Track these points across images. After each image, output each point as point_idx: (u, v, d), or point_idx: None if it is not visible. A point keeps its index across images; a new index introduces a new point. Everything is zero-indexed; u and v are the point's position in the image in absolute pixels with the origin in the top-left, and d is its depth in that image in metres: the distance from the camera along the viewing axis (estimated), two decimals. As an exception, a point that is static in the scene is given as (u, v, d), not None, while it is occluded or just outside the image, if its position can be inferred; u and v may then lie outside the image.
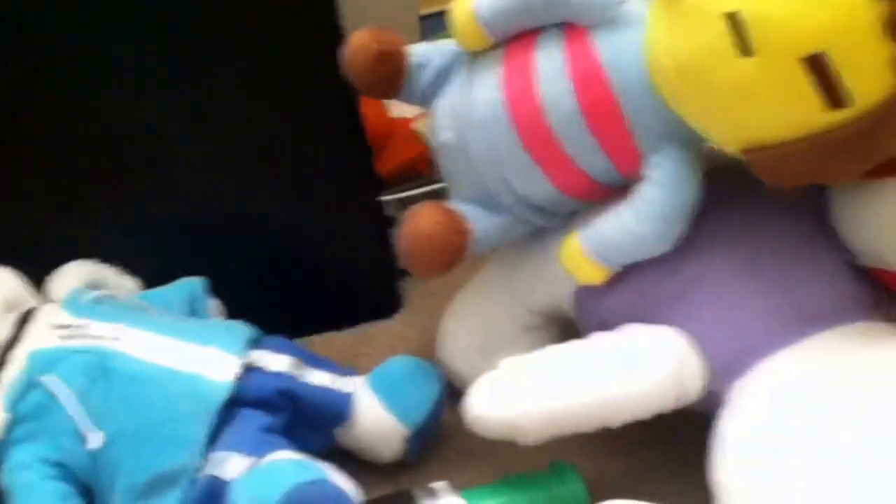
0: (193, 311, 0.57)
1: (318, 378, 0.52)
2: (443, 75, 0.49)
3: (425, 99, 0.50)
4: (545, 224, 0.50)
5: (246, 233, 0.62)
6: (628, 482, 0.47)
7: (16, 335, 0.51)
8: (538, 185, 0.47)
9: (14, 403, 0.48)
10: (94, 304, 0.53)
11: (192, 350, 0.50)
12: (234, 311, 0.59)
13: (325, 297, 0.64)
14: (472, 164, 0.48)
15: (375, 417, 0.52)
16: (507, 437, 0.46)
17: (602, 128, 0.45)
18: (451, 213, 0.47)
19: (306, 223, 0.62)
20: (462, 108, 0.47)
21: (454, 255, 0.47)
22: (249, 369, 0.51)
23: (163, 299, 0.57)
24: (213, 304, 0.59)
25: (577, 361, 0.46)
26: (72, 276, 0.56)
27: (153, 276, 0.59)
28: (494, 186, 0.48)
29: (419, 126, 0.70)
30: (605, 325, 0.48)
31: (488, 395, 0.45)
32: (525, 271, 0.53)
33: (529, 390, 0.45)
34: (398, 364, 0.54)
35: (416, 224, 0.47)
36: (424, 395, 0.53)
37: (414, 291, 0.67)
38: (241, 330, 0.53)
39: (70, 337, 0.50)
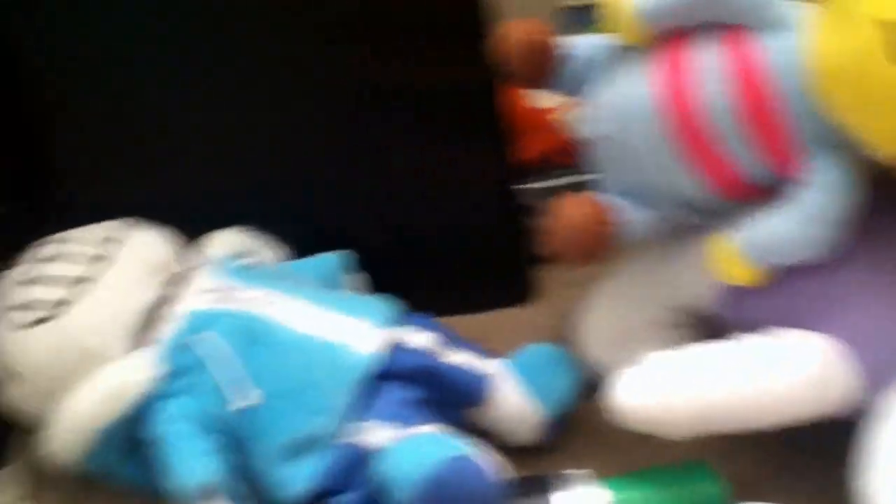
0: (335, 285, 0.59)
1: (459, 358, 0.53)
2: (592, 67, 0.50)
3: (573, 89, 0.51)
4: (693, 221, 0.50)
5: (383, 213, 0.63)
6: (777, 486, 0.47)
7: (166, 296, 0.53)
8: (689, 183, 0.47)
9: (169, 359, 0.50)
10: (245, 270, 0.56)
11: (339, 320, 0.52)
12: (370, 290, 0.60)
13: (459, 280, 0.65)
14: (626, 157, 0.48)
15: (515, 401, 0.53)
16: (648, 431, 0.46)
17: (760, 129, 0.44)
18: (599, 205, 0.48)
19: (444, 207, 0.63)
20: (617, 103, 0.47)
21: (600, 246, 0.48)
22: (394, 344, 0.52)
23: (307, 270, 0.59)
24: (356, 279, 0.61)
25: (725, 360, 0.46)
26: (223, 242, 0.58)
27: (297, 247, 0.61)
28: (645, 181, 0.48)
29: (559, 116, 0.70)
30: (751, 328, 0.47)
31: (634, 387, 0.46)
32: (668, 268, 0.53)
33: (676, 385, 0.45)
34: (538, 350, 0.55)
35: (565, 213, 0.47)
36: (565, 382, 0.54)
37: (546, 281, 0.68)
38: (387, 305, 0.55)
39: (223, 300, 0.52)
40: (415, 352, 0.52)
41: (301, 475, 0.48)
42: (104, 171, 0.61)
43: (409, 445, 0.45)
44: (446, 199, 0.63)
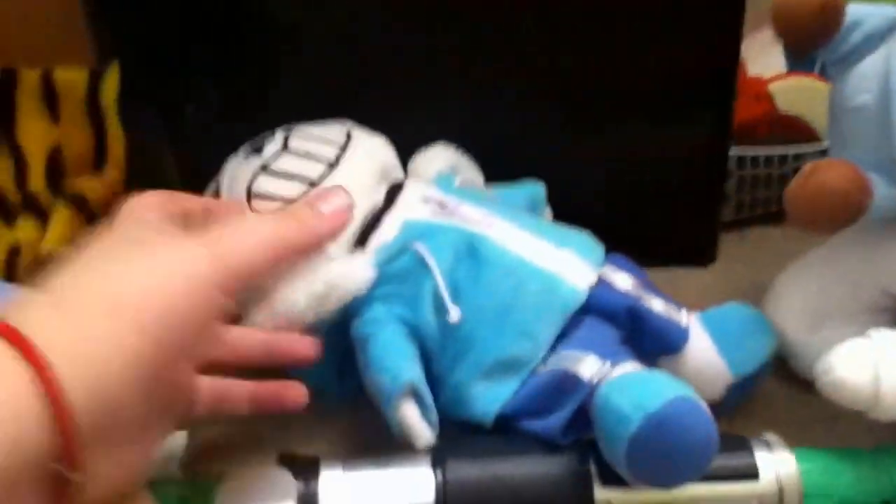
0: (537, 214, 0.59)
1: (658, 305, 0.53)
2: (872, 40, 0.48)
3: (844, 59, 0.49)
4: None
5: (583, 152, 0.63)
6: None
7: (388, 202, 0.54)
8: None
9: (383, 263, 0.51)
10: (461, 188, 0.56)
11: (550, 250, 0.52)
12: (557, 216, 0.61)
13: (643, 231, 0.65)
14: (888, 130, 0.47)
15: (705, 358, 0.52)
16: (861, 407, 0.46)
17: None
18: (859, 172, 0.47)
19: (649, 155, 0.63)
20: (893, 72, 0.46)
21: (853, 215, 0.47)
22: (600, 281, 0.52)
23: (512, 196, 0.59)
24: (548, 213, 0.61)
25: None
26: (438, 157, 0.58)
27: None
28: (899, 156, 0.47)
29: (773, 88, 0.70)
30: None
31: (856, 360, 0.45)
32: (892, 247, 0.52)
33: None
34: (734, 310, 0.54)
35: (825, 177, 0.46)
36: (758, 347, 0.53)
37: (728, 248, 0.67)
38: (594, 241, 0.54)
39: (442, 214, 0.53)
40: (619, 292, 0.52)
41: (500, 394, 0.48)
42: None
43: (632, 380, 0.45)
44: (657, 146, 0.62)
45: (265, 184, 0.52)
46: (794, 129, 0.70)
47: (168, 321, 0.34)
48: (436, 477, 0.45)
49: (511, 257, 0.51)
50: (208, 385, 0.45)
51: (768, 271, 0.60)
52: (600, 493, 0.45)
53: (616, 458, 0.43)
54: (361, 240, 0.52)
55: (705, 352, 0.53)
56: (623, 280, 0.53)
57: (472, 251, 0.51)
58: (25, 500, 0.30)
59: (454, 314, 0.49)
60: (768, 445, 0.48)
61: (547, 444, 0.47)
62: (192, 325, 0.35)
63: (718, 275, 0.65)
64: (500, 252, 0.51)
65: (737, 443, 0.47)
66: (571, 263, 0.51)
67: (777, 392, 0.57)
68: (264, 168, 0.53)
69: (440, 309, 0.49)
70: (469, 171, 0.59)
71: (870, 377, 0.45)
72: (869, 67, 0.48)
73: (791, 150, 0.66)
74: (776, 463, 0.46)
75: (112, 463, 0.33)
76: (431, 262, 0.50)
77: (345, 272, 0.49)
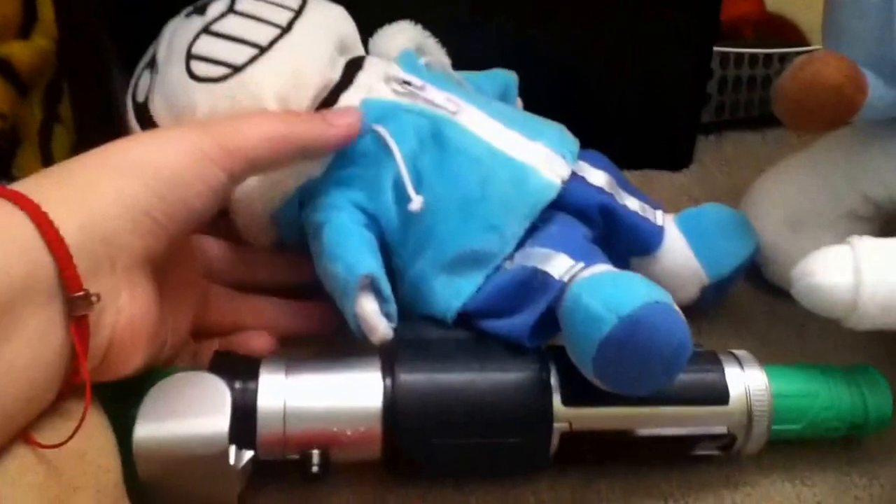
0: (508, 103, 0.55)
1: (632, 203, 0.51)
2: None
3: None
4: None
5: (558, 46, 0.60)
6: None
7: (346, 79, 0.49)
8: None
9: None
10: (427, 69, 0.52)
11: (522, 141, 0.48)
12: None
13: (619, 130, 0.62)
14: (888, 23, 0.44)
15: (680, 259, 0.50)
16: (837, 315, 0.44)
17: None
18: (856, 68, 0.44)
19: (629, 50, 0.60)
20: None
21: (848, 113, 0.44)
22: (573, 176, 0.49)
23: (477, 83, 0.55)
24: (519, 103, 0.58)
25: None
26: (402, 35, 0.53)
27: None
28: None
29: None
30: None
31: (837, 265, 0.43)
32: (877, 155, 0.50)
33: (885, 271, 0.42)
34: (713, 210, 0.52)
35: (820, 70, 0.44)
36: (735, 249, 0.51)
37: (705, 151, 0.65)
38: (568, 133, 0.51)
39: (406, 95, 0.49)
40: (593, 188, 0.49)
41: (462, 290, 0.46)
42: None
43: (605, 280, 0.42)
44: (638, 42, 0.59)
45: (207, 45, 0.47)
46: (782, 30, 0.67)
47: (167, 179, 0.39)
48: (385, 383, 0.43)
49: (480, 146, 0.47)
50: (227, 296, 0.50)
51: (745, 176, 0.58)
52: (560, 410, 0.43)
53: (583, 360, 0.41)
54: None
55: (680, 253, 0.50)
56: (597, 176, 0.50)
57: (437, 137, 0.47)
58: (46, 325, 0.34)
59: (416, 203, 0.45)
60: (738, 361, 0.46)
61: (504, 354, 0.44)
62: (190, 189, 0.39)
63: (694, 178, 0.63)
64: (468, 139, 0.47)
65: (704, 357, 0.45)
66: (544, 156, 0.48)
67: (748, 301, 0.55)
68: (206, 29, 0.48)
69: (401, 197, 0.46)
70: (436, 53, 0.55)
71: (849, 283, 0.43)
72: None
73: (777, 50, 0.63)
74: (746, 383, 0.45)
75: (124, 298, 0.38)
76: (393, 145, 0.46)
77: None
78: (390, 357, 0.43)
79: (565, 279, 0.43)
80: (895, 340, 0.47)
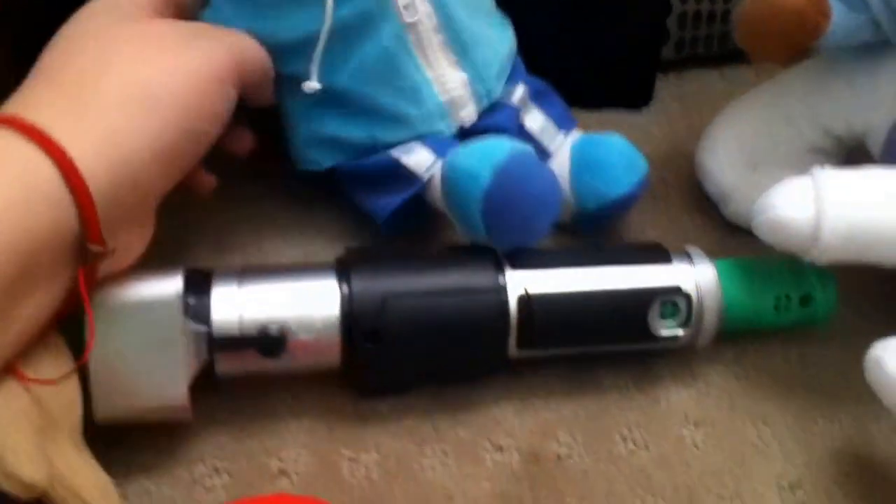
0: None
1: (535, 121, 0.50)
2: None
3: None
4: (894, 38, 0.45)
5: None
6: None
7: None
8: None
9: None
10: None
11: (450, 71, 0.47)
12: None
13: (577, 67, 0.60)
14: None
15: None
16: (798, 249, 0.43)
17: None
18: (820, -10, 0.42)
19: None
20: None
21: (810, 38, 0.43)
22: (489, 106, 0.49)
23: None
24: None
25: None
26: None
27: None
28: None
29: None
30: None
31: (798, 199, 0.42)
32: (839, 87, 0.48)
33: (846, 204, 0.41)
34: (607, 143, 0.50)
35: (782, -6, 0.42)
36: (609, 189, 0.49)
37: (665, 90, 0.63)
38: (502, 51, 0.50)
39: None
40: (501, 110, 0.49)
41: (324, 161, 0.48)
42: None
43: (474, 144, 0.43)
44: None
45: None
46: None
47: (194, 112, 0.39)
48: (341, 289, 0.42)
49: (411, 65, 0.46)
50: None
51: (705, 115, 0.56)
52: (512, 275, 0.43)
53: (473, 221, 0.42)
54: None
55: (559, 177, 0.49)
56: (514, 93, 0.50)
57: (376, 42, 0.45)
58: (60, 270, 0.35)
59: (309, 86, 0.44)
60: (689, 257, 0.45)
61: (458, 258, 0.44)
62: (208, 114, 0.40)
63: (653, 117, 0.61)
64: (403, 58, 0.46)
65: (655, 252, 0.46)
66: (459, 97, 0.47)
67: (709, 236, 0.54)
68: None
69: (303, 55, 0.44)
70: None
71: (810, 215, 0.41)
72: None
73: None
74: (695, 273, 0.45)
75: (133, 235, 0.39)
76: (329, 11, 0.43)
77: None
78: (345, 265, 0.43)
79: (425, 177, 0.45)
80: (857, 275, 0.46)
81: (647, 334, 0.44)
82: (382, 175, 0.46)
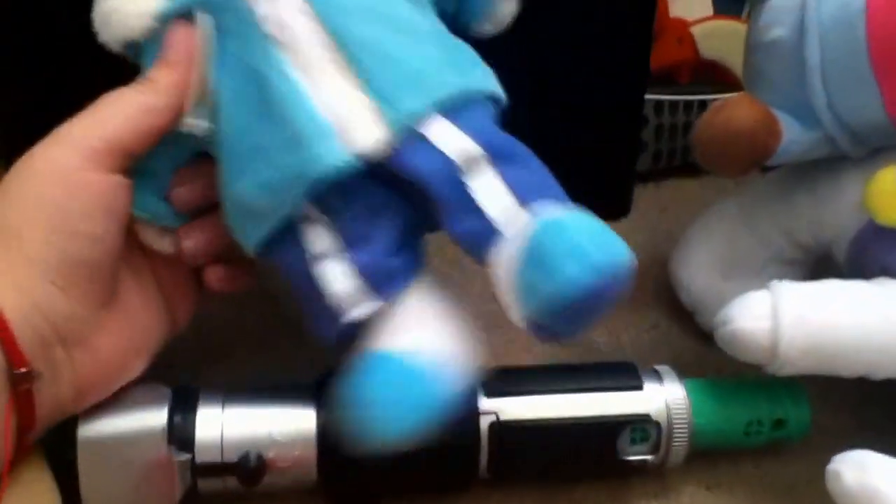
0: None
1: (488, 190, 0.36)
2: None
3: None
4: (850, 152, 0.46)
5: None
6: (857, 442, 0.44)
7: None
8: (867, 107, 0.43)
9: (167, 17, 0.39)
10: None
11: (354, 94, 0.37)
12: None
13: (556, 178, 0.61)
14: (800, 68, 0.44)
15: (503, 285, 0.36)
16: (759, 361, 0.43)
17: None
18: (769, 112, 0.44)
19: (560, 100, 0.59)
20: (810, 6, 0.43)
21: (762, 157, 0.44)
22: (409, 138, 0.37)
23: None
24: None
25: (860, 298, 0.43)
26: None
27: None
28: (816, 98, 0.44)
29: (695, 31, 0.67)
30: (887, 274, 0.44)
31: (755, 312, 0.43)
32: (802, 199, 0.49)
33: (803, 316, 0.42)
34: (577, 223, 0.36)
35: (733, 115, 0.44)
36: (564, 287, 0.34)
37: (643, 199, 0.64)
38: (435, 73, 0.38)
39: None
40: (433, 155, 0.36)
41: (251, 237, 0.39)
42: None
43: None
44: (572, 91, 0.58)
45: None
46: (717, 75, 0.67)
47: (56, 223, 0.37)
48: (318, 417, 0.43)
49: (291, 88, 0.37)
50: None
51: (684, 223, 0.57)
52: (484, 404, 0.44)
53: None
54: None
55: (505, 278, 0.36)
56: (454, 141, 0.37)
57: (248, 68, 0.38)
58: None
59: (199, 117, 0.39)
60: (658, 377, 0.46)
61: None
62: (89, 221, 0.37)
63: (632, 227, 0.62)
64: (282, 78, 0.37)
65: (621, 371, 0.46)
66: (366, 116, 0.37)
67: (685, 346, 0.54)
68: None
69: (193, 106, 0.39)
70: None
71: (767, 328, 0.42)
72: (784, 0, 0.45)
73: (712, 96, 0.64)
74: (664, 392, 0.45)
75: (77, 356, 0.38)
76: (206, 46, 0.38)
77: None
78: (322, 390, 0.43)
79: (353, 314, 0.38)
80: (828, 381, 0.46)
81: (616, 460, 0.44)
82: (301, 287, 0.39)
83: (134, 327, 0.42)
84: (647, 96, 0.62)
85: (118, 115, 0.38)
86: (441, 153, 0.36)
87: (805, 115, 0.45)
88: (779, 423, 0.46)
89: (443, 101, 0.37)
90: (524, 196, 0.37)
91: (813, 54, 0.43)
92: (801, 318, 0.42)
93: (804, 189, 0.50)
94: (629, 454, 0.45)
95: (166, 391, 0.42)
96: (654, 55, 0.64)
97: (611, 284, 0.36)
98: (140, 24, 0.39)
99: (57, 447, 0.40)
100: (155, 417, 0.41)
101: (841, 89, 0.44)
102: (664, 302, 0.57)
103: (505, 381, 0.44)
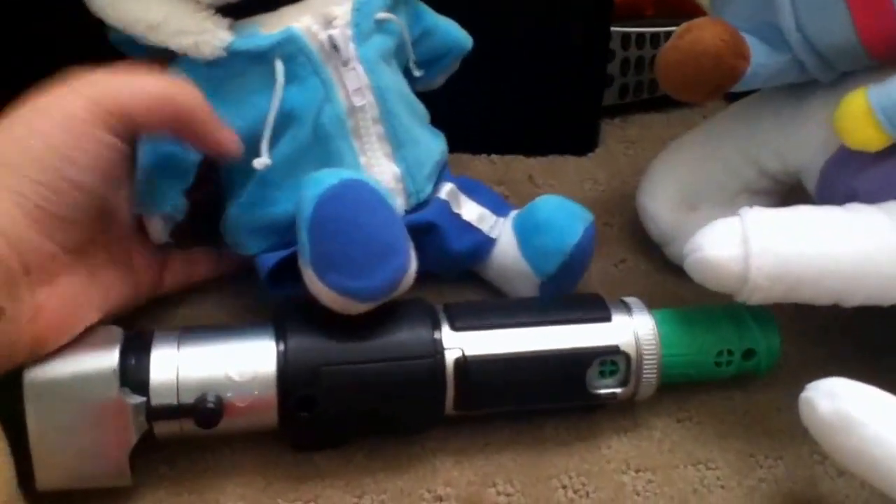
0: (437, 60, 0.53)
1: (470, 211, 0.50)
2: None
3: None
4: (818, 76, 0.45)
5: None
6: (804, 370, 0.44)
7: None
8: (836, 28, 0.42)
9: (237, 53, 0.43)
10: (374, 30, 0.46)
11: (384, 162, 0.47)
12: (428, 105, 0.52)
13: (521, 116, 0.60)
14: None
15: (510, 261, 0.49)
16: (728, 289, 0.42)
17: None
18: (736, 34, 0.43)
19: (527, 35, 0.58)
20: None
21: (728, 80, 0.43)
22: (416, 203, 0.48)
23: (434, 25, 0.52)
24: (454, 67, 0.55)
25: (831, 224, 0.42)
26: None
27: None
28: (785, 19, 0.43)
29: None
30: (855, 200, 0.44)
31: (725, 239, 0.42)
32: (769, 127, 0.49)
33: (773, 242, 0.41)
34: (544, 205, 0.49)
35: (698, 36, 0.42)
36: (560, 244, 0.47)
37: (610, 134, 0.64)
38: (433, 156, 0.49)
39: (329, 57, 0.45)
40: (429, 204, 0.48)
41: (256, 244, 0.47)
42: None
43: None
44: (536, 28, 0.57)
45: None
46: (683, 6, 0.66)
47: (43, 162, 0.37)
48: (277, 351, 0.41)
49: (348, 153, 0.46)
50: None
51: (650, 158, 0.56)
52: (450, 336, 0.43)
53: (303, 244, 0.41)
54: (242, 8, 0.44)
55: (511, 255, 0.49)
56: (443, 189, 0.49)
57: (318, 115, 0.45)
58: None
59: (260, 162, 0.44)
60: (627, 308, 0.45)
61: (395, 317, 0.43)
62: (71, 165, 0.38)
63: (600, 162, 0.62)
64: (341, 144, 0.46)
65: (593, 305, 0.45)
66: (393, 188, 0.47)
67: (650, 283, 0.54)
68: None
69: (255, 134, 0.44)
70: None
71: (737, 254, 0.41)
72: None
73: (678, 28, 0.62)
74: (634, 325, 0.44)
75: (41, 295, 0.38)
76: (278, 94, 0.44)
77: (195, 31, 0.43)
78: (281, 324, 0.42)
79: None
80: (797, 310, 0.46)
81: (585, 393, 0.44)
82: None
83: (96, 280, 0.41)
84: (613, 29, 0.61)
85: (141, 90, 0.39)
86: (440, 199, 0.49)
87: (773, 37, 0.44)
88: (749, 353, 0.46)
89: (436, 167, 0.49)
90: (495, 209, 0.51)
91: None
92: (770, 244, 0.41)
93: (770, 117, 0.49)
94: (599, 387, 0.44)
95: (118, 332, 0.40)
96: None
97: (591, 230, 0.48)
98: (213, 53, 0.43)
99: (2, 394, 0.38)
100: (106, 358, 0.39)
101: (810, 10, 0.42)
102: (631, 236, 0.56)
103: (469, 314, 0.44)
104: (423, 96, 0.51)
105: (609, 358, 0.43)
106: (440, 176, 0.50)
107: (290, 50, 0.44)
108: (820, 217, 0.42)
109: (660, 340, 0.44)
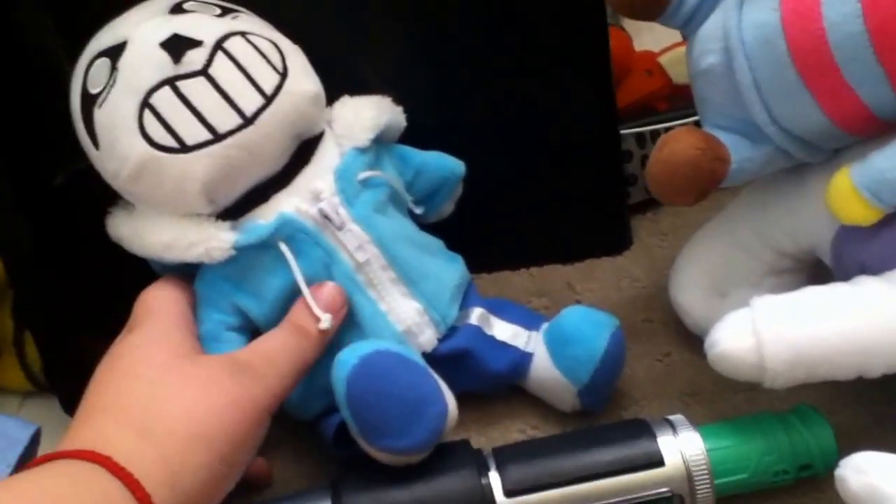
0: (437, 191, 0.57)
1: (503, 331, 0.53)
2: (708, 1, 0.47)
3: (687, 24, 0.48)
4: (807, 159, 0.47)
5: (474, 148, 0.59)
6: (877, 435, 0.44)
7: (284, 175, 0.49)
8: (807, 115, 0.44)
9: (244, 247, 0.48)
10: (361, 189, 0.50)
11: (401, 301, 0.50)
12: (458, 233, 0.56)
13: (551, 226, 0.63)
14: (736, 90, 0.45)
15: (547, 374, 0.52)
16: (752, 378, 0.44)
17: (891, 56, 0.41)
18: (710, 139, 0.45)
19: (541, 149, 0.61)
20: (732, 31, 0.45)
21: (710, 183, 0.45)
22: (446, 331, 0.52)
23: (429, 167, 0.56)
24: (458, 191, 0.58)
25: (837, 302, 0.43)
26: (367, 111, 0.52)
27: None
28: (758, 115, 0.45)
29: (663, 61, 0.68)
30: (866, 272, 0.45)
31: (737, 331, 0.43)
32: (777, 210, 0.50)
33: (783, 329, 0.43)
34: (569, 317, 0.52)
35: (674, 148, 0.45)
36: (590, 351, 0.50)
37: (643, 229, 0.66)
38: (453, 282, 0.53)
39: (324, 226, 0.49)
40: (461, 331, 0.52)
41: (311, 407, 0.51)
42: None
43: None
44: (547, 138, 0.61)
45: (167, 105, 0.45)
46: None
47: (232, 444, 0.43)
48: None
49: (367, 306, 0.50)
50: None
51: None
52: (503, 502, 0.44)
53: (347, 419, 0.45)
54: (238, 208, 0.49)
55: (547, 368, 0.51)
56: (471, 314, 0.53)
57: (328, 275, 0.49)
58: None
59: (325, 321, 0.47)
60: (672, 427, 0.46)
61: (443, 464, 0.46)
62: (249, 442, 0.44)
63: (635, 259, 0.64)
64: (359, 299, 0.50)
65: (637, 428, 0.46)
66: (415, 324, 0.50)
67: (697, 368, 0.55)
68: (174, 82, 0.45)
69: (285, 308, 0.49)
70: (398, 125, 0.54)
71: (751, 346, 0.43)
72: (710, 29, 0.46)
73: (689, 120, 0.64)
74: (679, 443, 0.45)
75: None
76: (296, 270, 0.48)
77: (200, 238, 0.47)
78: (338, 487, 0.46)
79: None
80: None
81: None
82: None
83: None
84: (627, 130, 0.64)
85: (284, 376, 0.46)
86: (471, 325, 0.52)
87: (753, 132, 0.46)
88: (805, 467, 0.46)
89: (457, 291, 0.53)
90: (526, 324, 0.53)
91: (745, 75, 0.44)
92: (781, 330, 0.43)
93: (777, 198, 0.50)
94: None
95: None
96: (628, 90, 0.67)
97: (618, 334, 0.51)
98: (223, 255, 0.47)
99: None
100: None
101: (778, 103, 0.45)
102: (674, 329, 0.57)
103: (522, 480, 0.45)
104: (460, 224, 0.56)
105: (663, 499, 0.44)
106: (467, 297, 0.53)
107: (288, 231, 0.48)
108: (826, 296, 0.44)
109: (712, 473, 0.44)
